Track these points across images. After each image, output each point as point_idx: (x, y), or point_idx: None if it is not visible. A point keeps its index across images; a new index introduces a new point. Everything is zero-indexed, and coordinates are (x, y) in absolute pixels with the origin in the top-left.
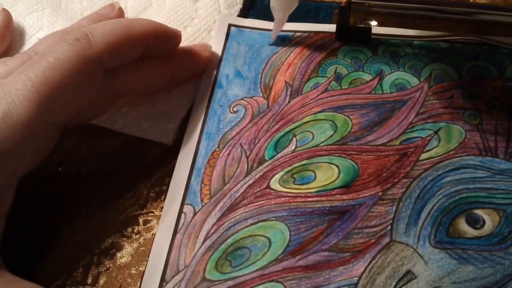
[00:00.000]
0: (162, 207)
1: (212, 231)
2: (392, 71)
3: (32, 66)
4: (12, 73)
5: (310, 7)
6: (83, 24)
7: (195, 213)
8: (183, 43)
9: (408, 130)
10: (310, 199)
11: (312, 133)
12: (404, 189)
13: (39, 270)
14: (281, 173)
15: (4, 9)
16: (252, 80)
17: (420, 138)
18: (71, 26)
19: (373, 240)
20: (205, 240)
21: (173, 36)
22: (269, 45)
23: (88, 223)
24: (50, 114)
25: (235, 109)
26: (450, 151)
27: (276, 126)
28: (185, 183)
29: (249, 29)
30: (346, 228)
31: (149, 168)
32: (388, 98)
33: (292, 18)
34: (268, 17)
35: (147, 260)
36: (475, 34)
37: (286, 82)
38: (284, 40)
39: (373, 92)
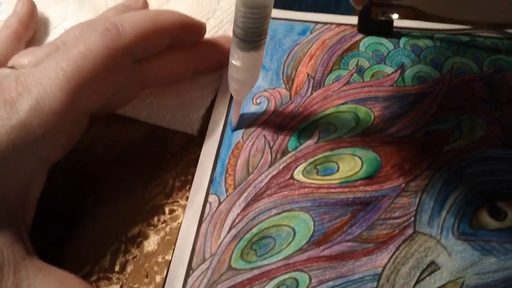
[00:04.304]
0: (187, 197)
1: (237, 221)
2: (414, 64)
3: (64, 55)
4: (41, 62)
5: None
6: (110, 15)
7: (220, 203)
8: (206, 35)
9: (431, 122)
10: (334, 190)
11: (335, 125)
12: (427, 180)
13: (66, 256)
14: (304, 164)
15: None
16: (274, 71)
17: (442, 130)
18: (98, 16)
19: (396, 231)
20: (230, 229)
21: (198, 28)
22: (232, 131)
23: (115, 210)
24: (81, 103)
25: (258, 101)
26: (472, 143)
27: (299, 118)
28: (210, 173)
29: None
30: (369, 219)
31: (174, 157)
32: (410, 90)
33: (313, 9)
34: (289, 7)
35: (173, 249)
36: (496, 27)
37: (308, 74)
38: (305, 31)
39: (395, 84)
